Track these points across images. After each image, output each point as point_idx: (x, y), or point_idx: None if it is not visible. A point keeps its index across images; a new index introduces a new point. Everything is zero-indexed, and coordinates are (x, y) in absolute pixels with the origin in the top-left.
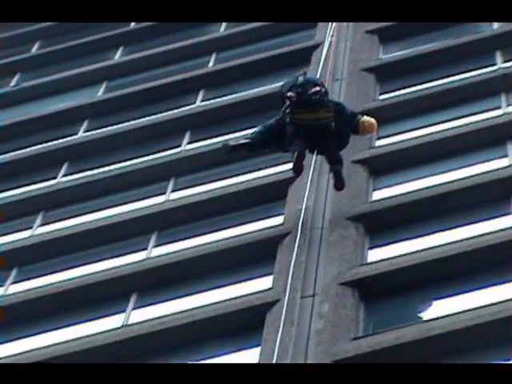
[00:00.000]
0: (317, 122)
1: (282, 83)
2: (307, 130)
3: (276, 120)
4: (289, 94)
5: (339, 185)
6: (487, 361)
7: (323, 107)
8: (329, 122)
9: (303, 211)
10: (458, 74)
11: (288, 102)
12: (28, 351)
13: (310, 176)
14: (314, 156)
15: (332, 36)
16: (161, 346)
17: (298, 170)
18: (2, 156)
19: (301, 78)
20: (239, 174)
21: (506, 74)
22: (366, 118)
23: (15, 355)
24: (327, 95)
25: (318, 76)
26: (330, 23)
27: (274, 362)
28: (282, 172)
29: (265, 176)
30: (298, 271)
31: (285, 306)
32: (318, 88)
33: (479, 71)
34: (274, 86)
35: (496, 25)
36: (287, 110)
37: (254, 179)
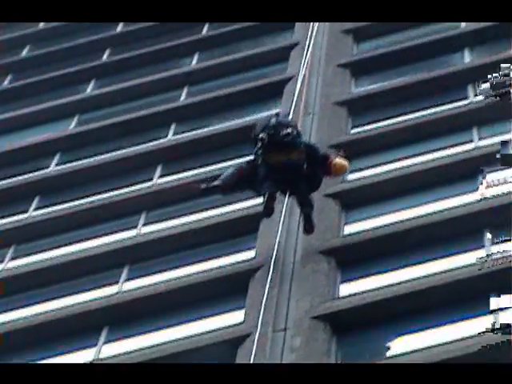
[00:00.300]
0: (289, 163)
1: (254, 124)
2: (279, 171)
3: (247, 162)
4: (261, 135)
5: (309, 228)
6: None
7: (295, 149)
8: (301, 164)
9: (276, 245)
10: (430, 107)
11: (260, 144)
12: None
13: (283, 210)
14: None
15: (305, 69)
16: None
17: (268, 211)
18: None
19: (273, 120)
20: (211, 208)
21: (478, 108)
22: (338, 160)
23: None
24: (300, 136)
25: (291, 110)
26: (304, 57)
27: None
28: (253, 206)
29: (237, 210)
30: (270, 305)
31: (256, 339)
32: (289, 130)
33: (451, 105)
34: (246, 119)
35: (468, 58)
36: (259, 152)
37: (226, 213)
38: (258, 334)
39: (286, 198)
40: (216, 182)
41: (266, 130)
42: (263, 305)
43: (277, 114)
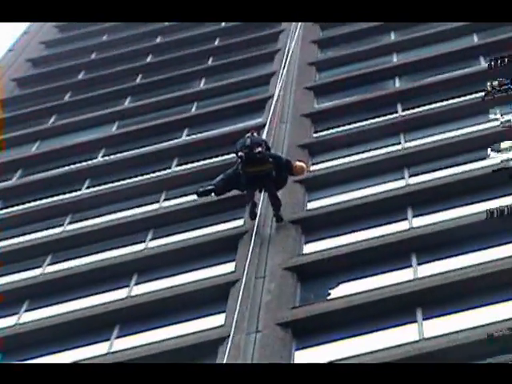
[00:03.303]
0: (262, 173)
1: (235, 143)
2: (255, 178)
3: (233, 170)
4: (239, 153)
5: (278, 219)
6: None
7: (265, 161)
8: (270, 171)
9: (257, 217)
10: (370, 118)
11: (240, 160)
12: None
13: (260, 197)
14: (262, 192)
15: (280, 91)
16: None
17: (253, 216)
18: None
19: (248, 140)
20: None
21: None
22: (297, 163)
23: None
24: (269, 149)
25: (270, 119)
26: (279, 82)
27: (233, 325)
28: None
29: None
30: (253, 259)
31: (243, 284)
32: (260, 148)
33: (384, 117)
34: (239, 125)
35: (397, 84)
36: (239, 166)
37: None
38: (244, 279)
39: (262, 191)
40: (210, 186)
41: (244, 148)
42: (248, 259)
43: (252, 134)
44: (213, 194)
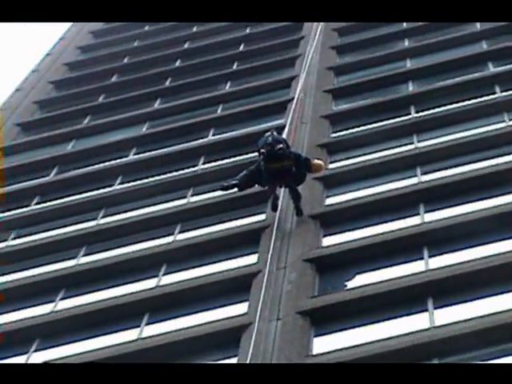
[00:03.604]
0: (282, 169)
1: (258, 141)
2: (276, 173)
3: (255, 166)
4: (262, 150)
5: (298, 213)
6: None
7: (286, 158)
8: (290, 167)
9: (278, 212)
10: (390, 118)
11: (262, 156)
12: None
13: (281, 193)
14: (283, 188)
15: (301, 93)
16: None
17: (274, 208)
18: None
19: (270, 139)
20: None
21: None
22: (316, 161)
23: None
24: (289, 147)
25: (291, 120)
26: (300, 85)
27: (257, 313)
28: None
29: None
30: (275, 251)
31: (266, 274)
32: (281, 145)
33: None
34: (263, 125)
35: (411, 87)
36: (262, 162)
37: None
38: (267, 270)
39: (283, 188)
40: (234, 181)
41: (265, 146)
42: (270, 251)
43: (272, 133)
44: (236, 188)
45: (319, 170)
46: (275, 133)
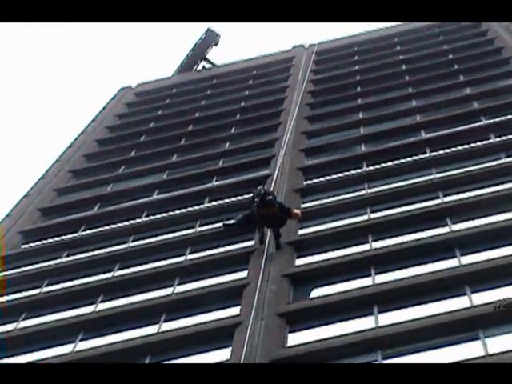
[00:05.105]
0: (270, 214)
1: (252, 192)
2: (265, 217)
3: (251, 211)
4: (256, 199)
5: (278, 247)
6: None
7: (274, 206)
8: (276, 213)
9: (267, 242)
10: None
11: (256, 204)
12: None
13: (267, 231)
14: (269, 230)
15: (283, 151)
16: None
17: (262, 242)
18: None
19: (261, 191)
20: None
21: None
22: (294, 210)
23: None
24: (276, 198)
25: (275, 171)
26: (283, 146)
27: (249, 314)
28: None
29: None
30: (261, 269)
31: (258, 286)
32: (270, 196)
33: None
34: (253, 175)
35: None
36: (255, 209)
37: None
38: (257, 283)
39: (269, 229)
40: (232, 221)
41: (259, 196)
42: (261, 268)
43: (263, 185)
44: (235, 226)
45: (296, 217)
46: (266, 186)
